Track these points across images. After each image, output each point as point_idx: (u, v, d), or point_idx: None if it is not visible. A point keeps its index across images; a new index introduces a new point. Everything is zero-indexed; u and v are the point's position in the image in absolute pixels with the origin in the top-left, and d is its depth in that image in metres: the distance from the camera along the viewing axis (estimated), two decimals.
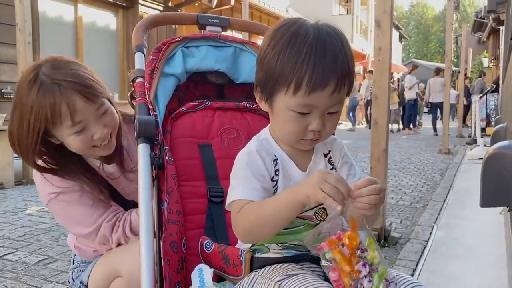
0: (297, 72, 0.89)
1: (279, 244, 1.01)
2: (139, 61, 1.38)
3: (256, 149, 1.01)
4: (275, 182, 1.00)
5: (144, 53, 1.41)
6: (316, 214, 1.00)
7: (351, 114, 14.38)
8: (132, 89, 1.33)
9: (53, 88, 1.26)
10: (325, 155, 1.09)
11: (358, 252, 0.85)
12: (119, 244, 1.41)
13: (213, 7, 9.92)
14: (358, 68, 21.57)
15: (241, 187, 0.96)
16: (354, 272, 0.83)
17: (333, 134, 1.20)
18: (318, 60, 0.89)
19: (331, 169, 1.07)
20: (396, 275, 0.98)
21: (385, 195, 0.87)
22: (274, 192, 0.99)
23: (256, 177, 0.96)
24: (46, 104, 1.26)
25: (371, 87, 7.66)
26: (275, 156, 1.01)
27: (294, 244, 1.01)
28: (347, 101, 12.81)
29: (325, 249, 0.85)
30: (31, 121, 1.28)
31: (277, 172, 1.00)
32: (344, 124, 14.92)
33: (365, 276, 0.83)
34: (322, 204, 0.93)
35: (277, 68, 0.92)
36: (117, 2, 8.30)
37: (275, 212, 0.89)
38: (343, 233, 0.85)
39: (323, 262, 0.86)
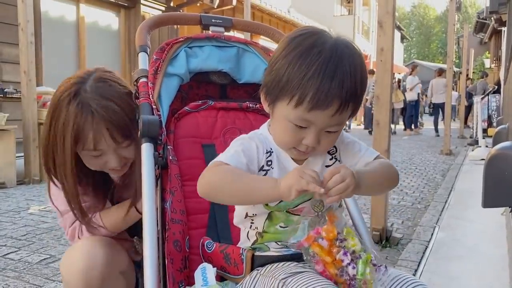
0: (302, 87, 0.90)
1: (278, 243, 1.02)
2: (143, 61, 1.39)
3: (250, 136, 1.05)
4: (264, 172, 1.02)
5: (147, 53, 1.42)
6: (314, 206, 1.01)
7: None
8: (136, 89, 1.34)
9: (87, 113, 1.26)
10: None
11: (337, 243, 0.88)
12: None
13: (215, 7, 9.93)
14: None
15: (226, 154, 1.00)
16: (336, 262, 0.87)
17: None
18: (325, 81, 0.89)
19: (331, 159, 1.08)
20: (399, 275, 0.99)
21: (352, 178, 0.89)
22: None
23: (245, 154, 1.00)
24: (74, 123, 1.26)
25: (373, 87, 7.63)
26: (271, 149, 1.04)
27: (294, 243, 1.01)
28: None
29: (305, 244, 0.90)
30: (59, 131, 1.28)
31: (269, 163, 1.03)
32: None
33: (349, 264, 0.87)
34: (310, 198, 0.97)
35: (284, 78, 0.93)
36: (119, 2, 8.32)
37: (248, 185, 0.93)
38: (321, 228, 0.89)
39: (306, 258, 0.90)
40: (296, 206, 1.01)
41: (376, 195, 1.02)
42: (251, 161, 1.00)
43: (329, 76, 0.89)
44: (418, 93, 13.24)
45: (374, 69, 7.88)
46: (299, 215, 1.01)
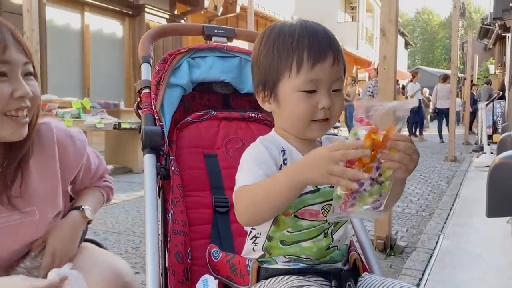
0: (295, 51, 0.95)
1: (287, 257, 1.01)
2: (146, 72, 1.40)
3: (260, 142, 1.02)
4: None
5: (150, 64, 1.43)
6: (323, 210, 0.99)
7: (348, 122, 14.17)
8: (139, 99, 1.35)
9: None
10: None
11: (379, 155, 0.79)
12: None
13: (219, 15, 9.99)
14: (364, 75, 21.57)
15: (242, 176, 0.97)
16: (367, 167, 0.79)
17: None
18: (312, 37, 0.96)
19: None
20: (385, 279, 1.00)
21: (417, 162, 0.84)
22: None
23: (259, 165, 0.96)
24: None
25: (369, 89, 7.59)
26: (283, 147, 1.01)
27: (301, 257, 1.00)
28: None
29: (359, 126, 0.81)
30: None
31: (285, 161, 1.00)
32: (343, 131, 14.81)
33: (371, 178, 0.80)
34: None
35: (274, 59, 0.98)
36: (124, 11, 8.38)
37: (274, 190, 0.88)
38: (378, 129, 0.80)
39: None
40: (305, 207, 0.97)
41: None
42: (266, 168, 0.96)
43: (312, 33, 0.97)
44: (420, 100, 13.20)
45: (369, 73, 7.83)
46: (307, 219, 0.98)
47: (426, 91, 16.15)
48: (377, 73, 7.75)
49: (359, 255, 1.14)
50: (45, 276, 1.05)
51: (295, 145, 1.03)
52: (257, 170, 0.95)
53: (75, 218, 1.27)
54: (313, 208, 0.98)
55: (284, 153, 1.01)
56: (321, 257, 1.01)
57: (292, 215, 0.98)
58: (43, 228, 1.19)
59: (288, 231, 0.99)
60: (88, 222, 1.31)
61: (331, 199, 0.87)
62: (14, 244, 1.15)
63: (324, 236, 1.01)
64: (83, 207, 1.29)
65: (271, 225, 1.00)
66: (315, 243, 1.00)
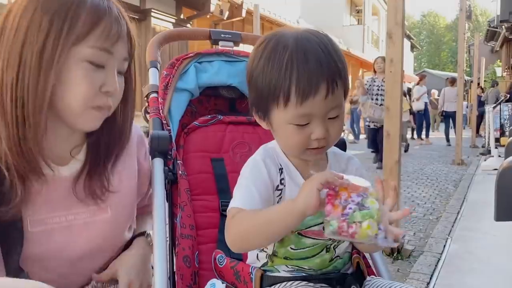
0: (282, 84, 0.88)
1: (289, 266, 1.00)
2: (153, 77, 1.41)
3: (261, 158, 1.00)
4: (279, 192, 0.98)
5: (158, 69, 1.44)
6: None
7: (354, 126, 14.10)
8: (146, 104, 1.36)
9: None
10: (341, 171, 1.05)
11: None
12: None
13: (225, 19, 10.02)
14: (370, 77, 21.49)
15: (240, 195, 0.95)
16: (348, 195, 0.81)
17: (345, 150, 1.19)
18: (301, 66, 0.87)
19: None
20: (386, 282, 0.99)
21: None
22: (278, 202, 0.97)
23: (257, 186, 0.95)
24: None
25: (366, 84, 7.44)
26: (281, 165, 1.00)
27: (304, 268, 1.00)
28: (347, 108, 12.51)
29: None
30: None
31: (282, 181, 0.99)
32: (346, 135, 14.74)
33: (354, 202, 0.80)
34: None
35: (264, 85, 0.92)
36: (130, 15, 8.37)
37: (270, 221, 0.87)
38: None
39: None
40: (308, 228, 0.97)
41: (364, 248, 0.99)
42: (263, 190, 0.95)
43: (303, 60, 0.87)
44: (426, 103, 13.12)
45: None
46: (310, 237, 0.98)
47: (435, 92, 16.01)
48: (374, 71, 7.70)
49: (362, 257, 1.13)
50: None
51: (295, 161, 1.01)
52: (254, 192, 0.94)
53: (144, 246, 1.19)
54: (314, 228, 0.97)
55: (281, 172, 0.99)
56: (323, 267, 1.01)
57: (296, 233, 0.98)
58: (113, 231, 1.12)
59: (291, 248, 0.99)
60: None
61: None
62: (85, 243, 1.06)
63: (327, 251, 1.01)
64: (148, 232, 1.23)
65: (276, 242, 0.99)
66: (318, 258, 1.00)
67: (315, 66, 0.87)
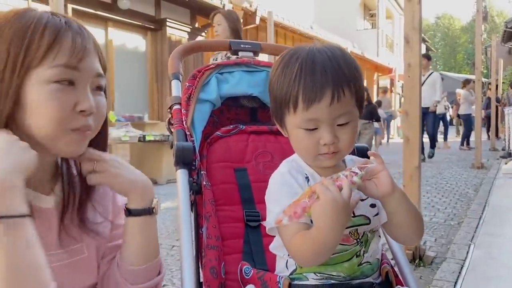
0: (292, 91, 0.94)
1: (318, 274, 1.00)
2: (176, 88, 1.43)
3: (286, 169, 1.03)
4: None
5: (180, 80, 1.46)
6: (351, 234, 1.00)
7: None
8: (170, 115, 1.37)
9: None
10: None
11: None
12: None
13: None
14: (385, 81, 21.36)
15: (278, 210, 0.95)
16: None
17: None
18: (309, 74, 0.93)
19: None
20: None
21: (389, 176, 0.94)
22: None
23: (290, 198, 0.95)
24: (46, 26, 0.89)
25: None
26: (306, 174, 1.02)
27: (333, 275, 1.00)
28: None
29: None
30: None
31: None
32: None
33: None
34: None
35: (278, 93, 0.98)
36: (146, 25, 8.54)
37: (326, 234, 0.88)
38: None
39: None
40: None
41: (398, 230, 0.95)
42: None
43: (310, 69, 0.93)
44: (445, 106, 12.94)
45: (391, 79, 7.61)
46: (339, 244, 0.97)
47: (460, 92, 15.68)
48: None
49: (392, 267, 1.13)
50: None
51: (317, 170, 1.03)
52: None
53: None
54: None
55: (308, 180, 1.02)
56: (352, 273, 1.01)
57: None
58: (94, 270, 1.03)
59: None
60: None
61: (357, 225, 0.99)
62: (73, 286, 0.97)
63: (357, 257, 1.01)
64: None
65: None
66: (346, 262, 1.01)
67: (320, 74, 0.93)
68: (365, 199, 1.03)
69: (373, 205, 1.04)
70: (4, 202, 0.77)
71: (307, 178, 1.02)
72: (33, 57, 0.86)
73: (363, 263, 1.03)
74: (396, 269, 1.20)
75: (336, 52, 0.97)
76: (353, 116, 0.97)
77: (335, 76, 0.93)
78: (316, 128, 0.95)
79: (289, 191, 0.98)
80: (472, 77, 10.67)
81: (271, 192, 1.03)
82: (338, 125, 0.95)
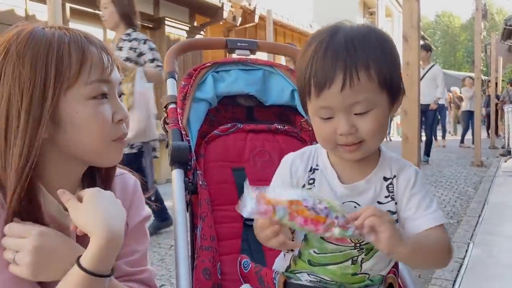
0: (306, 77, 0.90)
1: (310, 275, 0.99)
2: (171, 87, 1.41)
3: (292, 157, 1.02)
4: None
5: (175, 79, 1.45)
6: (352, 237, 0.96)
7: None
8: (165, 114, 1.36)
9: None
10: (386, 179, 0.98)
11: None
12: None
13: (238, 25, 10.06)
14: None
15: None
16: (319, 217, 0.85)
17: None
18: (319, 59, 0.88)
19: (387, 196, 0.98)
20: None
21: (392, 224, 0.85)
22: None
23: (276, 183, 1.01)
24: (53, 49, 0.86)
25: None
26: (317, 165, 0.99)
27: (326, 279, 0.99)
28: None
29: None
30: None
31: (310, 181, 0.98)
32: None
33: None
34: None
35: (297, 77, 0.96)
36: (144, 24, 8.51)
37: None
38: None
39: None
40: None
41: (415, 267, 0.92)
42: (281, 186, 0.98)
43: (322, 54, 0.88)
44: (443, 104, 12.90)
45: None
46: (332, 243, 0.96)
47: (456, 90, 15.67)
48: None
49: (397, 278, 1.08)
50: None
51: (335, 161, 0.99)
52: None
53: None
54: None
55: (314, 172, 0.99)
56: (346, 281, 0.98)
57: (319, 236, 0.95)
58: None
59: (314, 252, 0.98)
60: None
61: None
62: None
63: (352, 263, 0.97)
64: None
65: (303, 240, 0.99)
66: (340, 268, 0.97)
67: (330, 59, 0.87)
68: (384, 203, 0.97)
69: (391, 213, 0.97)
70: (109, 262, 0.82)
71: (313, 169, 0.99)
72: (67, 77, 0.85)
73: (359, 274, 0.98)
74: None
75: (359, 32, 0.90)
76: (376, 104, 0.88)
77: (348, 61, 0.85)
78: (331, 117, 0.89)
79: (278, 177, 1.01)
80: (472, 75, 10.64)
81: (273, 179, 1.04)
82: (356, 114, 0.88)
